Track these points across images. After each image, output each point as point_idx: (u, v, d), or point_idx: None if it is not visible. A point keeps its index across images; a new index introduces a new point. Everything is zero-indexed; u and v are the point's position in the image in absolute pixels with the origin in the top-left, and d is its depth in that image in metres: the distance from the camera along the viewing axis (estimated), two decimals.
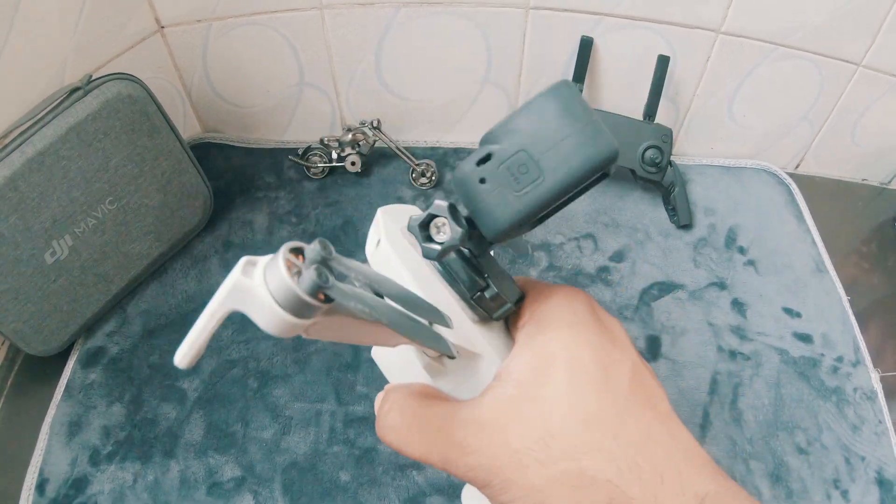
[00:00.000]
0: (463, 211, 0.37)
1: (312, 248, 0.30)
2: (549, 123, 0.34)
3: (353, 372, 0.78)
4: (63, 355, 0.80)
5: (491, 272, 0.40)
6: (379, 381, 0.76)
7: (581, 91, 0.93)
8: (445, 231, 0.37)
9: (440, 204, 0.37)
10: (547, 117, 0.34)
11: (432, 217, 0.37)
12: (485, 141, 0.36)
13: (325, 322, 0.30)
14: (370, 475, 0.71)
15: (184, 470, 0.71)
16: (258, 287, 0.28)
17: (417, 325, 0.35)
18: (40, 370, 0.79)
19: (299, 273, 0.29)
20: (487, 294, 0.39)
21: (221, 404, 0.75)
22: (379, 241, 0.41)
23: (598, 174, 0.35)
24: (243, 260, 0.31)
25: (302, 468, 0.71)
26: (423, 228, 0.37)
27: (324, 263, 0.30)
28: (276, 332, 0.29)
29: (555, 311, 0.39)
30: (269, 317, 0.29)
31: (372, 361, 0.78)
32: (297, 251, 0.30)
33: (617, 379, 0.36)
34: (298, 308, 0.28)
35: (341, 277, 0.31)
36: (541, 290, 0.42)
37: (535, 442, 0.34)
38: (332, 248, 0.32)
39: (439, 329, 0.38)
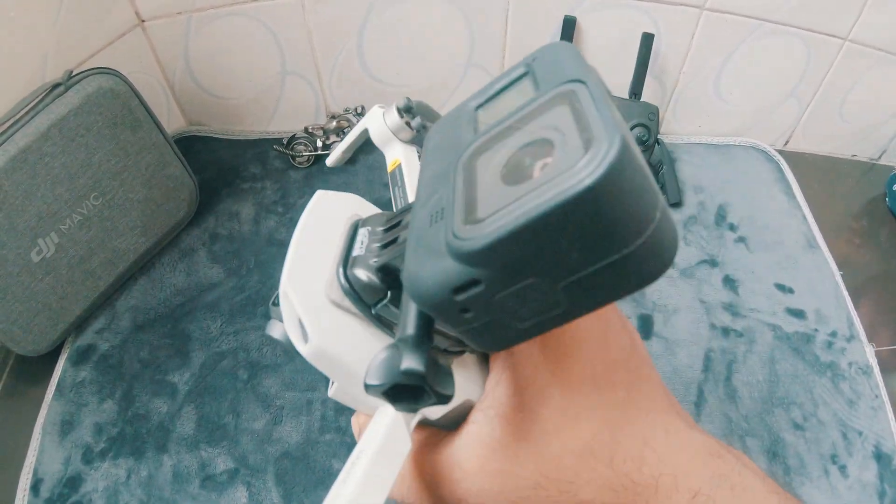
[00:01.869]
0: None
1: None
2: (586, 240, 0.22)
3: None
4: (53, 354, 0.79)
5: None
6: None
7: None
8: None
9: (413, 369, 0.26)
10: (586, 231, 0.22)
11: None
12: (465, 258, 0.23)
13: None
14: None
15: (177, 464, 0.70)
16: None
17: None
18: (31, 370, 0.79)
19: None
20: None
21: (212, 397, 0.75)
22: (302, 326, 0.32)
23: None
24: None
25: (294, 458, 0.71)
26: (391, 391, 0.27)
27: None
28: None
29: None
30: None
31: None
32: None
33: (611, 390, 0.33)
34: None
35: None
36: None
37: (532, 488, 0.32)
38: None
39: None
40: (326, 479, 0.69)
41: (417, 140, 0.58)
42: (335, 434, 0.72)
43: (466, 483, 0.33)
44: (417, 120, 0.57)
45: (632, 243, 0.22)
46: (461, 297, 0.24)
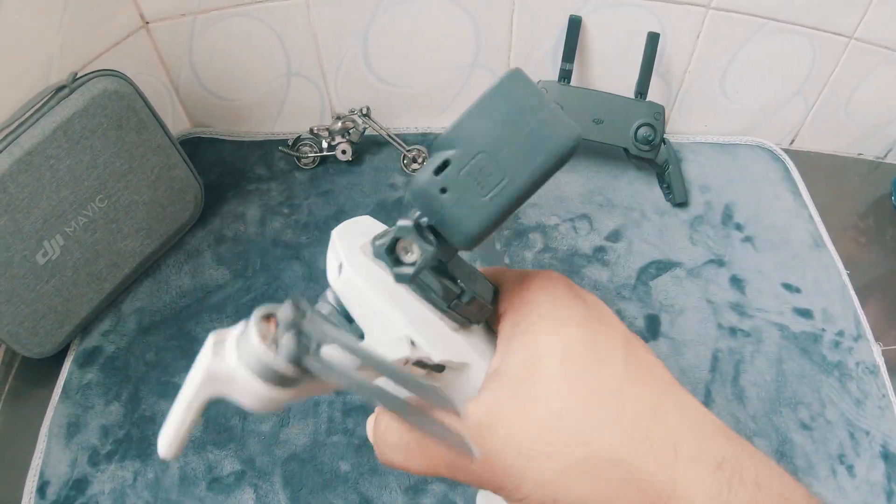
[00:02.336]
0: (425, 221, 0.36)
1: (284, 313, 0.29)
2: (505, 119, 0.33)
3: None
4: (59, 356, 0.79)
5: (462, 275, 0.38)
6: None
7: (571, 71, 0.93)
8: (414, 251, 0.35)
9: (404, 225, 0.35)
10: (502, 113, 0.33)
11: (397, 239, 0.35)
12: (437, 147, 0.34)
13: (311, 386, 0.30)
14: (370, 464, 0.70)
15: (183, 466, 0.70)
16: (236, 369, 0.28)
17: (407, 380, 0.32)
18: (37, 372, 0.79)
19: (275, 342, 0.29)
20: (464, 299, 0.38)
21: (218, 399, 0.75)
22: (341, 266, 0.38)
23: (564, 163, 0.33)
24: (211, 339, 0.30)
25: (302, 460, 0.70)
26: (390, 252, 0.36)
27: (297, 328, 0.29)
28: (262, 409, 0.29)
29: (534, 300, 0.38)
30: (254, 397, 0.28)
31: None
32: (268, 317, 0.30)
33: (611, 355, 0.35)
34: (283, 380, 0.28)
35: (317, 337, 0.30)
36: (514, 280, 0.40)
37: (540, 434, 0.33)
38: (306, 305, 0.30)
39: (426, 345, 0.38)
40: (334, 481, 0.69)
41: None
42: (342, 436, 0.72)
43: (478, 433, 0.34)
44: None
45: (529, 121, 0.33)
46: (440, 176, 0.34)
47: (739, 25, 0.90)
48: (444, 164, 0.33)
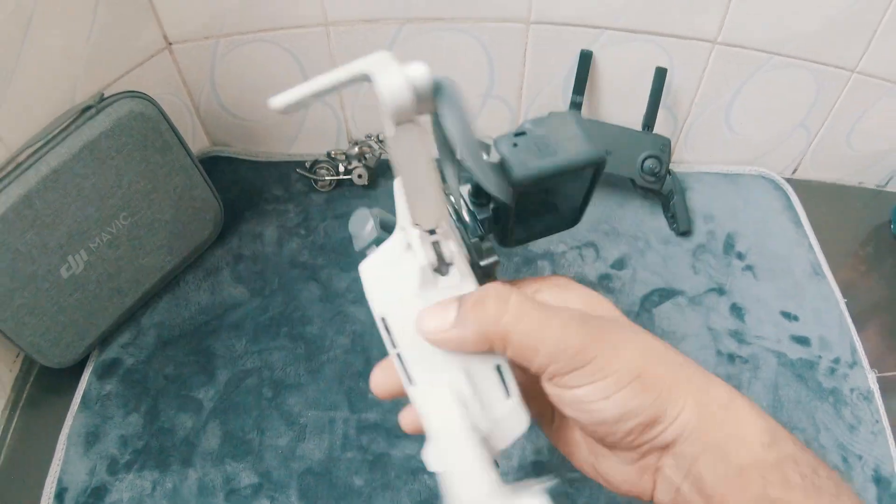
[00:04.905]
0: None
1: None
2: (564, 127, 0.44)
3: (364, 380, 0.80)
4: (79, 367, 0.81)
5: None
6: None
7: (581, 104, 0.95)
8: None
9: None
10: (562, 123, 0.44)
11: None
12: (520, 128, 0.44)
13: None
14: (383, 480, 0.72)
15: (202, 477, 0.72)
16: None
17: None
18: (56, 382, 0.81)
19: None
20: (484, 245, 0.47)
21: (237, 413, 0.77)
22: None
23: (588, 167, 0.43)
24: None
25: (317, 474, 0.73)
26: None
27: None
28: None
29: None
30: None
31: None
32: None
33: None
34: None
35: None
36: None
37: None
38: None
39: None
40: (348, 495, 0.71)
41: None
42: (357, 452, 0.74)
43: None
44: None
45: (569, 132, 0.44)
46: (516, 138, 0.43)
47: (744, 60, 0.92)
48: (522, 133, 0.43)
